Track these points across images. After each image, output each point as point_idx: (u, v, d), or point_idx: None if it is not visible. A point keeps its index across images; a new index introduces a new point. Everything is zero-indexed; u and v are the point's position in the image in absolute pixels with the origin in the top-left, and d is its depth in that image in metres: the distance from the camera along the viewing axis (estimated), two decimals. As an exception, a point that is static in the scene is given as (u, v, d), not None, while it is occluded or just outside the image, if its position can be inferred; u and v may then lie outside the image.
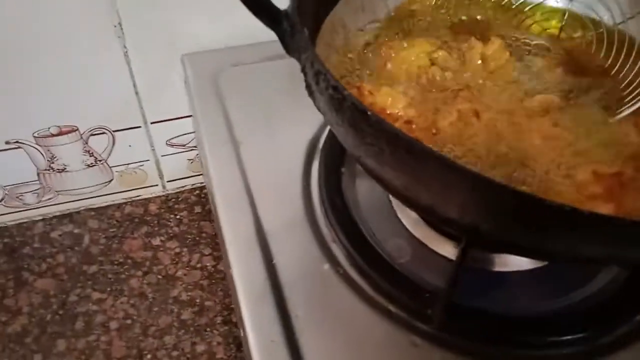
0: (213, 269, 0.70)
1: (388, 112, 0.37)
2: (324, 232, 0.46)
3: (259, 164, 0.51)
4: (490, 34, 0.44)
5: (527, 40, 0.45)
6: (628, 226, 0.26)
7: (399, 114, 0.37)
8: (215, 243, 0.73)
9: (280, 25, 0.35)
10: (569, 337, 0.40)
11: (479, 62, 0.41)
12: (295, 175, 0.50)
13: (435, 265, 0.45)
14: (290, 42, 0.35)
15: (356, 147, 0.32)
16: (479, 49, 0.40)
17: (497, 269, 0.45)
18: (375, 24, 0.48)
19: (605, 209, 0.34)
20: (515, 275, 0.45)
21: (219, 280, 0.69)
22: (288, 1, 0.35)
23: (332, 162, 0.51)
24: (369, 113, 0.28)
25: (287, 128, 0.54)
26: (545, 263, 0.45)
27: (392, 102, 0.37)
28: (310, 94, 0.37)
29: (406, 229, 0.47)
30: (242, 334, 0.42)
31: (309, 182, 0.50)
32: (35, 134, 0.65)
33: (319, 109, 0.37)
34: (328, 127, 0.53)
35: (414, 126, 0.36)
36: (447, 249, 0.45)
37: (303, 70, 0.35)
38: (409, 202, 0.34)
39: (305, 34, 0.34)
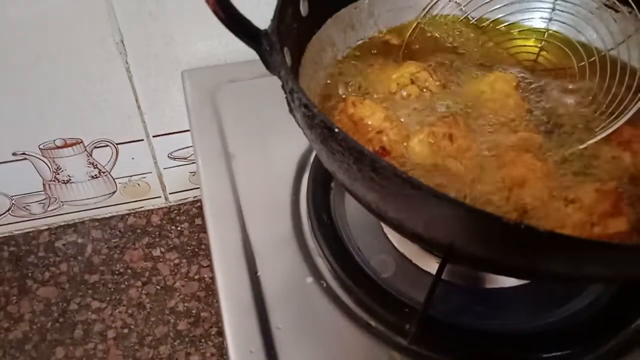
0: (210, 280, 0.71)
1: (366, 122, 0.38)
2: (310, 246, 0.47)
3: (251, 177, 0.52)
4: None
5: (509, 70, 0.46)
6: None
7: (375, 124, 0.38)
8: (214, 255, 0.74)
9: (260, 45, 0.36)
10: (551, 355, 0.40)
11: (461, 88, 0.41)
12: (285, 189, 0.51)
13: (418, 281, 0.45)
14: (270, 61, 0.36)
15: (329, 163, 0.33)
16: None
17: (486, 285, 0.45)
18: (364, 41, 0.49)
19: (620, 223, 0.34)
20: (502, 292, 0.45)
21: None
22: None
23: (321, 177, 0.51)
24: (335, 130, 0.29)
25: (279, 143, 0.56)
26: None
27: (371, 114, 0.38)
28: (290, 111, 0.38)
29: (392, 245, 0.48)
30: (225, 343, 0.43)
31: (298, 196, 0.51)
32: (41, 146, 0.67)
33: (299, 126, 0.38)
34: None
35: (384, 138, 0.37)
36: (432, 266, 0.45)
37: (282, 87, 0.36)
38: (380, 218, 0.35)
39: (282, 54, 0.35)
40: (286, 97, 0.37)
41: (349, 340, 0.41)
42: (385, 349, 0.40)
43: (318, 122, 0.30)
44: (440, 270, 0.41)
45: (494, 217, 0.25)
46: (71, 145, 0.68)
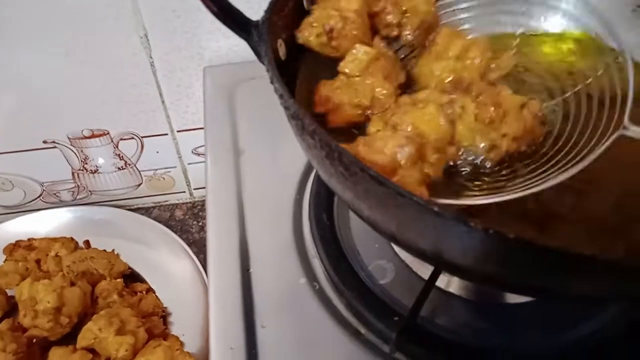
0: (225, 277, 0.72)
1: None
2: (307, 247, 0.46)
3: (257, 173, 0.52)
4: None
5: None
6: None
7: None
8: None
9: (250, 36, 0.35)
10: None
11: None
12: (290, 189, 0.50)
13: (416, 289, 0.43)
14: (260, 52, 0.36)
15: (310, 158, 0.32)
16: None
17: (496, 300, 0.43)
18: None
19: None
20: (511, 308, 0.42)
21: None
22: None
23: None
24: (306, 121, 0.28)
25: (290, 143, 0.55)
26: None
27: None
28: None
29: (393, 251, 0.46)
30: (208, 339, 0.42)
31: (302, 196, 0.50)
32: (70, 135, 0.69)
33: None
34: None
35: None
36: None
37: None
38: (359, 217, 0.34)
39: (273, 45, 0.34)
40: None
41: (335, 345, 0.40)
42: (370, 356, 0.39)
43: (292, 113, 0.30)
44: (432, 277, 0.39)
45: (461, 220, 0.24)
46: (98, 136, 0.70)
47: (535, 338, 0.40)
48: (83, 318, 0.61)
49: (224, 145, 0.54)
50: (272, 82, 0.32)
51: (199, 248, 0.74)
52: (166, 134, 0.72)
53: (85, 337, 0.57)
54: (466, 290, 0.43)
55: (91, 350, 0.58)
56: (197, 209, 0.81)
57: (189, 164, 0.77)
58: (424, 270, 0.44)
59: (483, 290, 0.43)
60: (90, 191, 0.77)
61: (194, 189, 0.81)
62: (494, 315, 0.42)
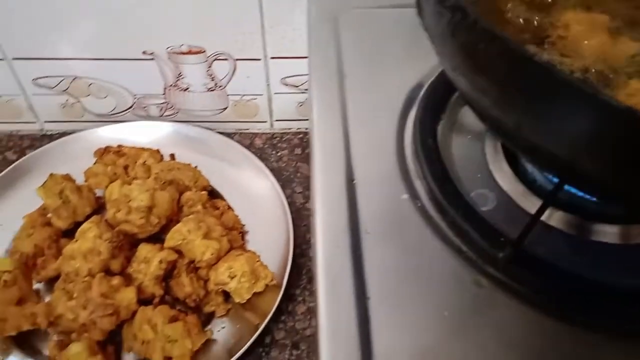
0: (301, 205, 0.73)
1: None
2: (409, 168, 0.46)
3: (360, 96, 0.52)
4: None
5: None
6: None
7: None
8: (308, 184, 0.75)
9: None
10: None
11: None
12: (393, 111, 0.51)
13: (518, 220, 0.43)
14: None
15: (454, 56, 0.32)
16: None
17: (594, 238, 0.43)
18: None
19: None
20: (608, 247, 0.42)
21: (305, 216, 0.72)
22: None
23: (432, 106, 0.50)
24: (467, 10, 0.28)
25: (394, 71, 0.55)
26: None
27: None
28: (419, 12, 0.37)
29: (495, 182, 0.46)
30: (312, 240, 0.44)
31: (405, 124, 0.50)
32: (168, 49, 0.71)
33: (426, 29, 0.38)
34: (432, 78, 0.53)
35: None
36: (535, 206, 0.43)
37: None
38: (497, 127, 0.34)
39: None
40: None
41: (436, 258, 0.40)
42: (471, 273, 0.39)
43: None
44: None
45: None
46: (195, 53, 0.71)
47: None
48: (169, 222, 0.64)
49: (328, 67, 0.55)
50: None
51: (277, 176, 0.75)
52: (259, 59, 0.73)
53: (173, 238, 0.60)
54: (567, 224, 0.43)
55: (177, 251, 0.61)
56: (275, 140, 0.82)
57: (275, 93, 0.78)
58: (528, 202, 0.44)
59: (584, 225, 0.43)
60: (177, 109, 0.79)
61: (275, 120, 0.82)
62: (593, 251, 0.42)
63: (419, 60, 0.54)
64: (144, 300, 0.58)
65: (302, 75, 0.75)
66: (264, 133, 0.83)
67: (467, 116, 0.51)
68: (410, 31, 0.57)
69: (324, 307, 0.37)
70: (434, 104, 0.51)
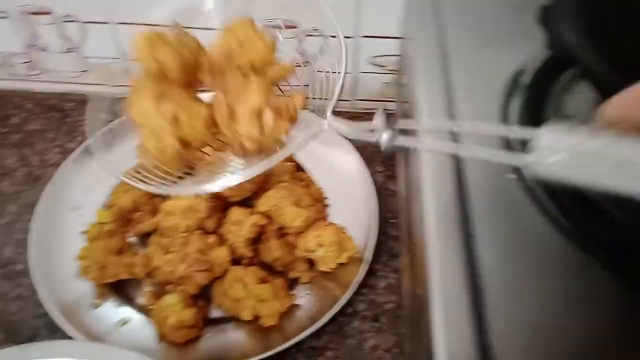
0: (382, 185, 0.74)
1: None
2: (514, 149, 0.47)
3: (464, 77, 0.52)
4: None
5: None
6: None
7: None
8: (390, 163, 0.76)
9: None
10: None
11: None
12: (497, 93, 0.51)
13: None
14: None
15: None
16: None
17: None
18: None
19: None
20: None
21: (384, 196, 0.73)
22: None
23: (538, 91, 0.50)
24: None
25: (498, 51, 0.55)
26: None
27: None
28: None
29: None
30: (418, 213, 0.45)
31: (509, 103, 0.51)
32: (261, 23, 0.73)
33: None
34: (536, 62, 0.53)
35: None
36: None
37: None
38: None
39: None
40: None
41: (544, 237, 0.41)
42: (579, 253, 0.40)
43: None
44: None
45: None
46: (289, 27, 0.73)
47: None
48: (258, 190, 0.66)
49: (430, 48, 0.55)
50: None
51: (360, 151, 0.76)
52: (352, 37, 0.74)
53: (265, 203, 0.62)
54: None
55: (267, 217, 0.63)
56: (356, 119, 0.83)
57: (360, 72, 0.79)
58: None
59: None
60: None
61: (357, 100, 0.83)
62: None
63: (524, 42, 0.54)
64: (234, 261, 0.61)
65: (390, 55, 0.76)
66: (344, 111, 0.84)
67: (571, 105, 0.50)
68: (513, 10, 0.57)
69: (436, 274, 0.39)
70: (540, 89, 0.51)
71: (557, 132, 0.30)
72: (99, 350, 0.42)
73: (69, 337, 0.58)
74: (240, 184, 0.62)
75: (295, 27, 0.73)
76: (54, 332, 0.60)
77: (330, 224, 0.63)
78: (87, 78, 0.84)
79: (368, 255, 0.63)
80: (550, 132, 0.30)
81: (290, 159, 0.72)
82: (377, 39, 0.74)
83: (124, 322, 0.59)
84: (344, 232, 0.62)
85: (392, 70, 0.78)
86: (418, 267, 0.44)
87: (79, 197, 0.70)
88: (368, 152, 0.77)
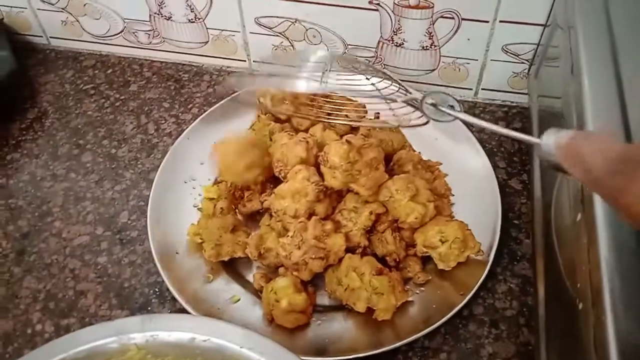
0: (504, 182, 0.69)
1: None
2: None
3: (634, 69, 0.46)
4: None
5: None
6: None
7: None
8: (513, 160, 0.71)
9: None
10: None
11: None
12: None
13: None
14: None
15: None
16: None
17: None
18: None
19: None
20: None
21: (507, 194, 0.67)
22: None
23: None
24: None
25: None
26: None
27: None
28: None
29: None
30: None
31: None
32: (396, 2, 0.69)
33: None
34: None
35: None
36: None
37: None
38: None
39: None
40: None
41: None
42: None
43: None
44: None
45: None
46: (422, 7, 0.69)
47: None
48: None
49: (598, 38, 0.50)
50: None
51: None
52: (487, 22, 0.68)
53: (381, 194, 0.59)
54: None
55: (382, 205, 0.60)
56: (478, 110, 0.78)
57: (491, 60, 0.73)
58: None
59: None
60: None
61: (481, 89, 0.78)
62: None
63: None
64: (348, 249, 0.58)
65: (526, 44, 0.70)
66: (466, 101, 0.79)
67: None
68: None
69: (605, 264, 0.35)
70: None
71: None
72: (222, 328, 0.41)
73: (180, 309, 0.58)
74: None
75: (430, 7, 0.69)
76: (164, 303, 0.61)
77: (453, 219, 0.59)
78: (206, 50, 0.84)
79: (492, 255, 0.59)
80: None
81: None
82: (516, 24, 0.68)
83: (236, 300, 0.59)
84: (468, 229, 0.58)
85: (526, 59, 0.72)
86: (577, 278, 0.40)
87: (194, 169, 0.70)
88: (488, 146, 0.72)
